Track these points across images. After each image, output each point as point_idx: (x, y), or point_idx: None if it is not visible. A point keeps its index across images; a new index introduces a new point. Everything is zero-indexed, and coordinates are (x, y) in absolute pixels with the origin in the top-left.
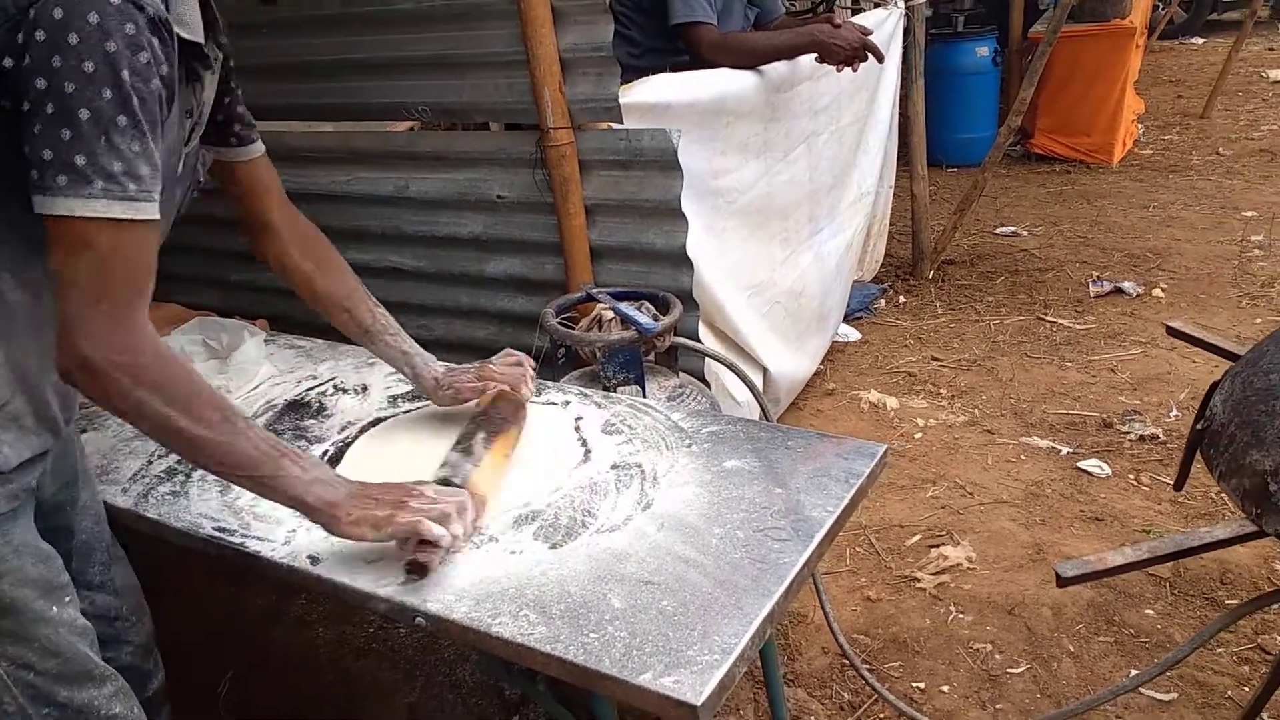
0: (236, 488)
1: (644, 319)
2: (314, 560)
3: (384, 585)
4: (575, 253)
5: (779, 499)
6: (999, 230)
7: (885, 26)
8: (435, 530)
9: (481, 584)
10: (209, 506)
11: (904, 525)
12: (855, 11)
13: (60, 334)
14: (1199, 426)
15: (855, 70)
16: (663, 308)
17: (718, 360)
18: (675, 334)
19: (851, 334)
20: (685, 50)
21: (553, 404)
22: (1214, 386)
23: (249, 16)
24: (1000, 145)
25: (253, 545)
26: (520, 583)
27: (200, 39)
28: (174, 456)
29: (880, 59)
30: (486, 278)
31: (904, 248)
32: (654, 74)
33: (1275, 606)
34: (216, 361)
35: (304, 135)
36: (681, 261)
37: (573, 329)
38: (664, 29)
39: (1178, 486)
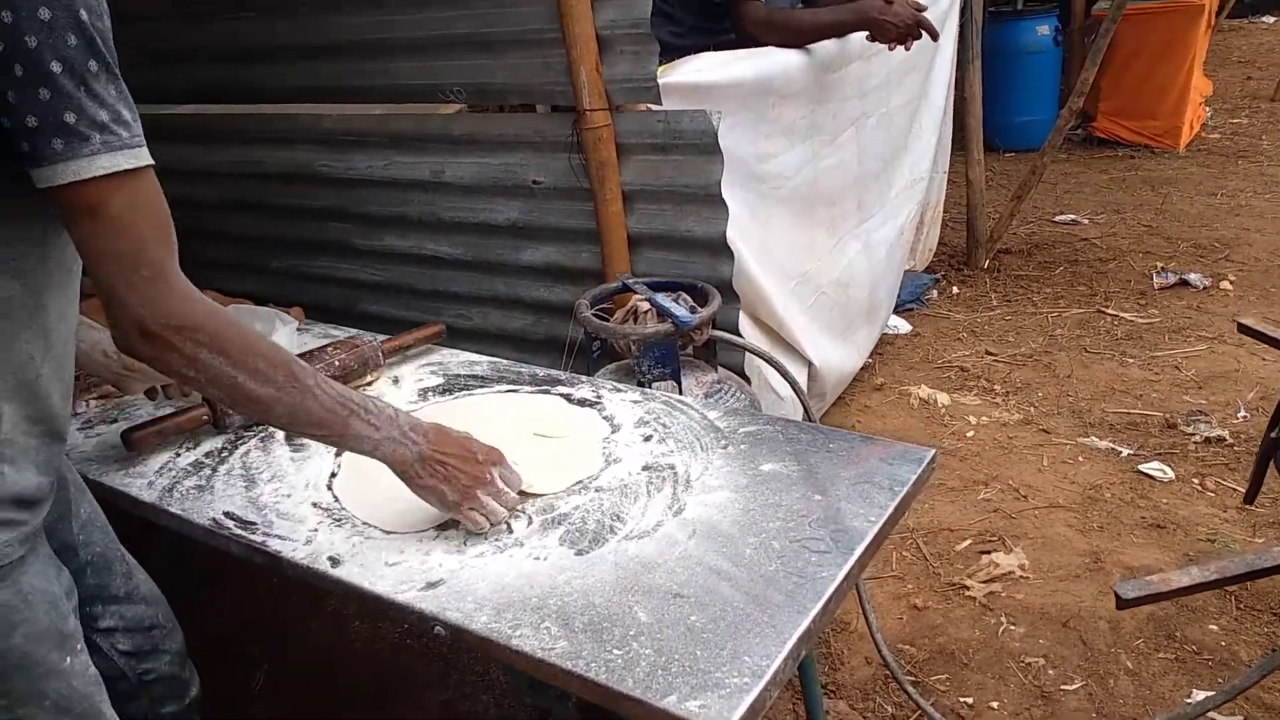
0: (261, 483)
1: (681, 311)
2: (334, 562)
3: (403, 592)
4: (612, 241)
5: (818, 506)
6: (1058, 218)
7: (940, 3)
8: (488, 528)
9: (504, 591)
10: (233, 503)
11: (954, 529)
12: None
13: (109, 309)
14: (1274, 435)
15: (908, 48)
16: (701, 299)
17: (759, 355)
18: (714, 327)
19: (902, 326)
20: (731, 28)
21: (586, 401)
22: None
23: None
24: (1061, 129)
25: (274, 545)
26: (543, 591)
27: None
28: (202, 449)
29: (935, 36)
30: (523, 266)
31: (959, 236)
32: (697, 53)
33: None
34: None
35: (341, 119)
36: (721, 250)
37: (608, 320)
38: (708, 6)
39: (1249, 499)
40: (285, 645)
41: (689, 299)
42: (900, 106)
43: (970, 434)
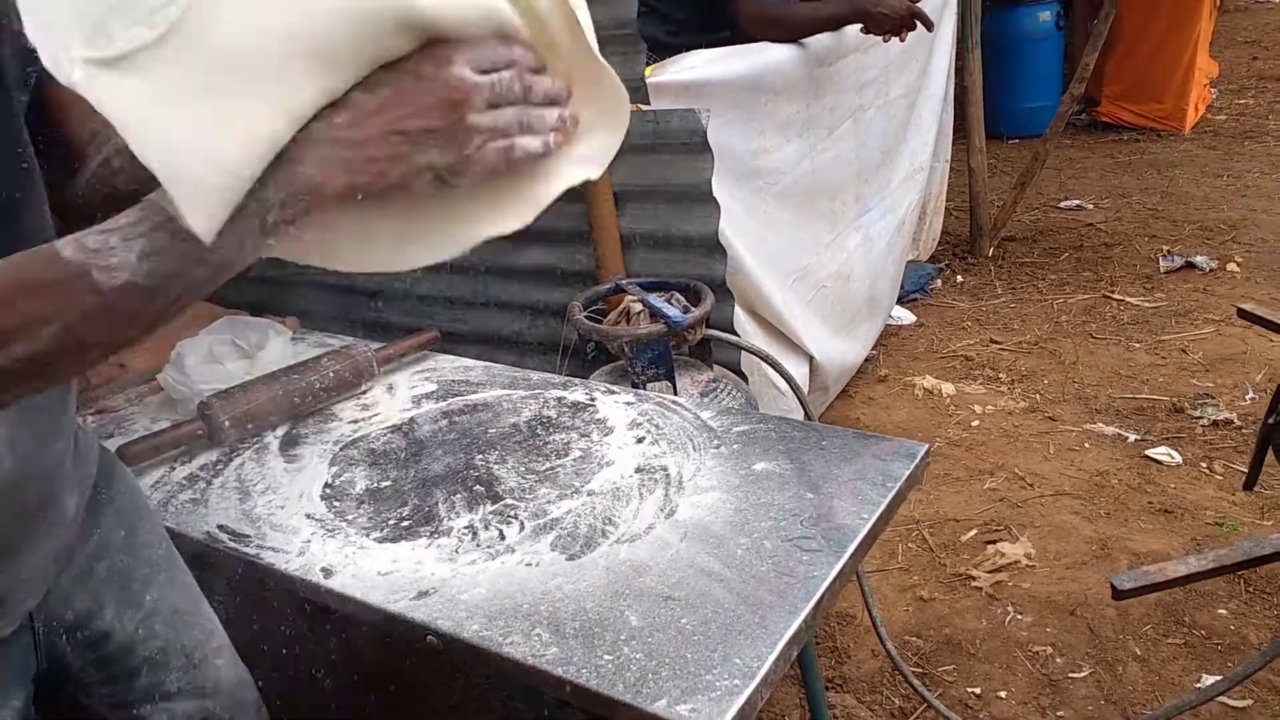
0: (255, 495)
1: (673, 311)
2: (327, 573)
3: (395, 601)
4: (605, 242)
5: (810, 505)
6: (1063, 204)
7: None
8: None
9: (495, 598)
10: (227, 516)
11: (959, 519)
12: None
13: None
14: (1271, 420)
15: (903, 40)
16: (694, 299)
17: (753, 353)
18: (708, 326)
19: (906, 317)
20: (725, 25)
21: (579, 404)
22: None
23: None
24: (1063, 115)
25: (267, 557)
26: (535, 598)
27: None
28: (197, 462)
29: (930, 27)
30: (518, 269)
31: (962, 225)
32: (690, 51)
33: None
34: (245, 361)
35: None
36: (714, 249)
37: (600, 322)
38: (701, 3)
39: (1249, 485)
40: (291, 648)
41: (682, 299)
42: (899, 98)
43: (975, 423)
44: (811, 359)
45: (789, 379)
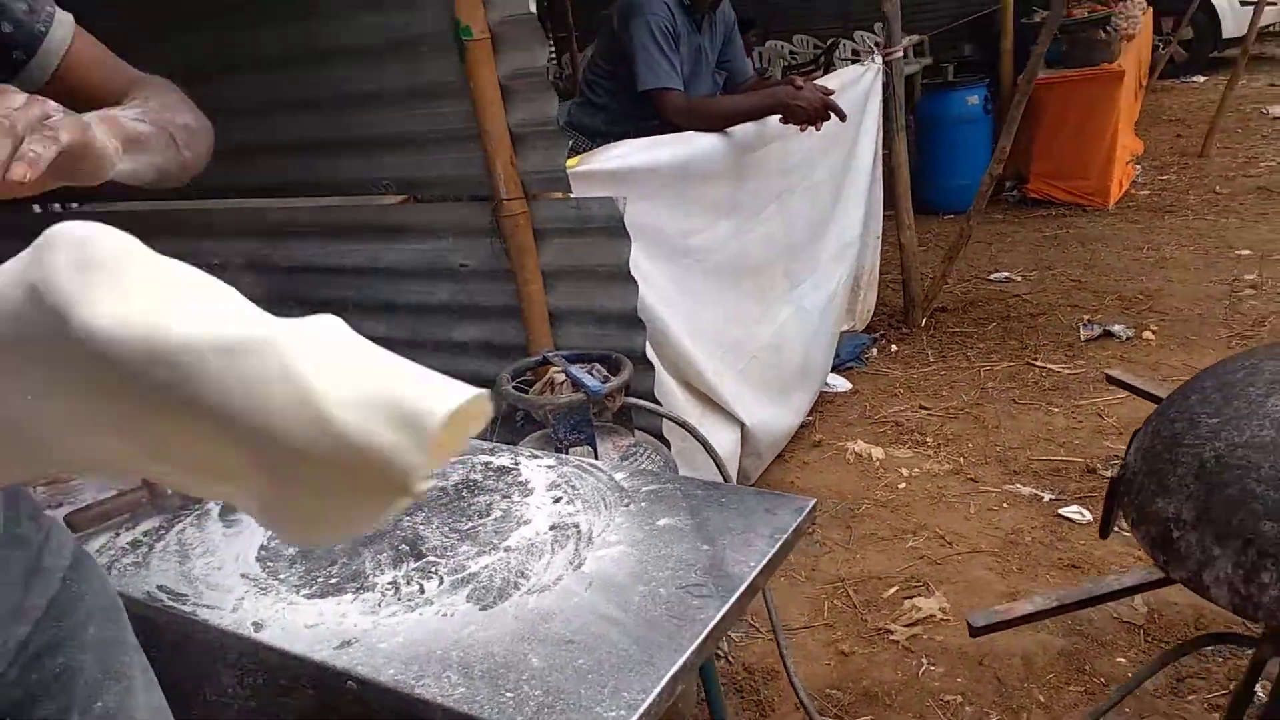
0: (194, 557)
1: (592, 381)
2: (257, 627)
3: (319, 651)
4: (534, 317)
5: (705, 556)
6: (992, 276)
7: (861, 82)
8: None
9: (411, 646)
10: (167, 577)
11: (882, 577)
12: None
13: None
14: (1113, 476)
15: (818, 129)
16: (614, 369)
17: (670, 419)
18: (628, 394)
19: (841, 384)
20: (655, 115)
21: (504, 469)
22: (1134, 435)
23: (229, 97)
24: (984, 194)
25: (202, 614)
26: (448, 644)
27: None
28: (141, 528)
29: (842, 118)
30: (455, 343)
31: (897, 296)
32: (623, 139)
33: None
34: None
35: (283, 211)
36: (634, 323)
37: (527, 392)
38: (635, 96)
39: (1103, 534)
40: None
41: (603, 369)
42: (825, 180)
43: (902, 485)
44: (743, 425)
45: (704, 442)
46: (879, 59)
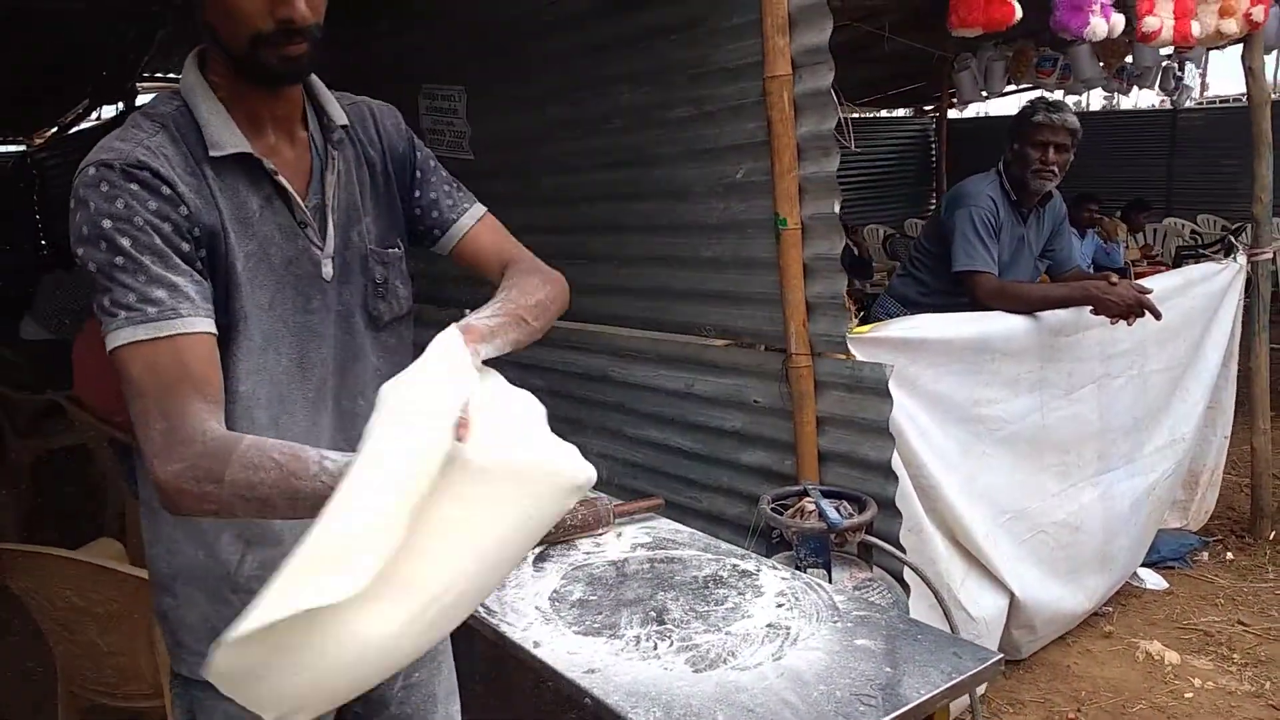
0: (510, 588)
1: (834, 515)
2: (535, 645)
3: (572, 672)
4: (805, 454)
5: (884, 675)
6: None
7: (1215, 280)
8: None
9: (635, 684)
10: (489, 599)
11: None
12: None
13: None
14: None
15: (1130, 324)
16: (860, 508)
17: (902, 561)
18: (870, 533)
19: (1154, 581)
20: (967, 294)
21: (746, 572)
22: None
23: (597, 252)
24: None
25: (503, 628)
26: (661, 690)
27: (243, 149)
28: None
29: (1157, 316)
30: (741, 464)
31: (1245, 501)
32: (932, 312)
33: None
34: None
35: (629, 339)
36: (888, 473)
37: (781, 515)
38: (950, 274)
39: None
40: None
41: (849, 507)
42: (1159, 371)
43: (1189, 695)
44: (1014, 595)
45: (931, 585)
46: (1242, 258)
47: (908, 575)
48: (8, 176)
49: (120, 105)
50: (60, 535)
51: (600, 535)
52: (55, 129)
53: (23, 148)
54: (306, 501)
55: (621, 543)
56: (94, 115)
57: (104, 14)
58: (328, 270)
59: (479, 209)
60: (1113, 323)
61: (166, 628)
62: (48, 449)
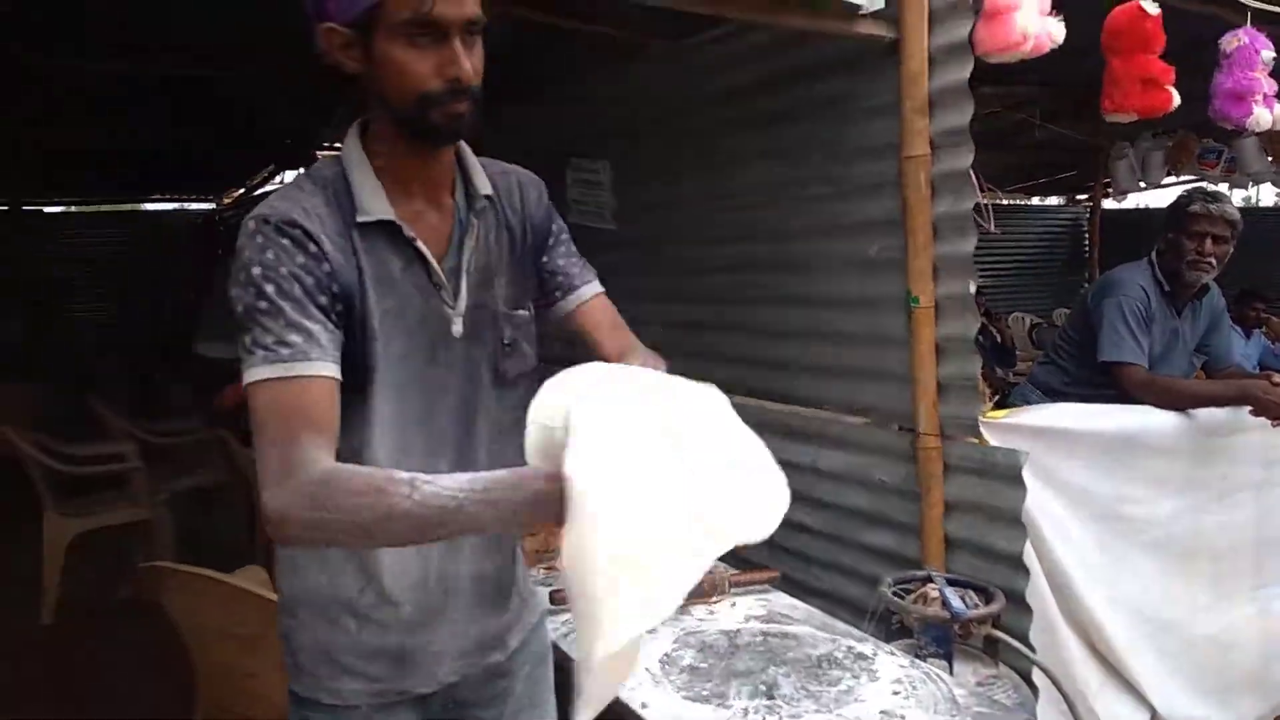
0: None
1: (958, 604)
2: (644, 706)
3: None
4: (930, 538)
5: None
6: None
7: None
8: None
9: None
10: None
11: None
12: None
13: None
14: None
15: None
16: (987, 600)
17: (1032, 661)
18: (996, 627)
19: None
20: (1113, 385)
21: (861, 655)
22: None
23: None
24: None
25: None
26: None
27: (387, 216)
28: None
29: None
30: (864, 545)
31: None
32: (1076, 402)
33: None
34: None
35: (757, 410)
36: (1018, 565)
37: (903, 599)
38: (1095, 365)
39: None
40: None
41: (975, 598)
42: None
43: None
44: (1154, 711)
45: (1061, 690)
46: None
47: (1036, 677)
48: (198, 231)
49: (301, 170)
50: (215, 562)
51: (714, 603)
52: (242, 189)
53: (213, 205)
54: (401, 522)
55: (735, 612)
56: (277, 179)
57: (287, 92)
58: (457, 328)
59: (599, 285)
60: (1274, 424)
61: (287, 648)
62: (208, 484)
